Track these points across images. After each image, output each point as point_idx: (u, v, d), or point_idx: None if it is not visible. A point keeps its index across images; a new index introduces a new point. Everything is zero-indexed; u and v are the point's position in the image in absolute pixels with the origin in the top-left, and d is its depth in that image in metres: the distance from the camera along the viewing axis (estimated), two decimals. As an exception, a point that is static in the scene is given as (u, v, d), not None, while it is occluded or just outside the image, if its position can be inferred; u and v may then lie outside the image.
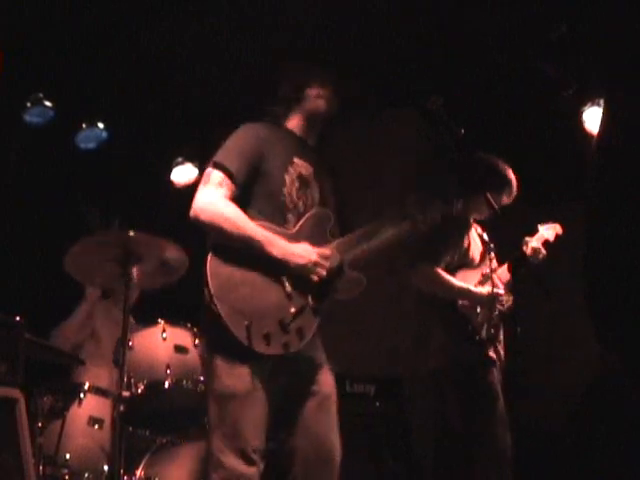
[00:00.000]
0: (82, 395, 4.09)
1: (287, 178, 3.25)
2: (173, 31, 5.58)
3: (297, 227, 3.20)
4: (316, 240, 3.19)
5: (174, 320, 4.20)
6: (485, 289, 4.23)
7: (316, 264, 3.09)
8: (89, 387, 4.15)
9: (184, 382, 4.00)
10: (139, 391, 3.92)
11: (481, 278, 4.30)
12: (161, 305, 4.40)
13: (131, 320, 4.57)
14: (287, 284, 3.08)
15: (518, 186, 4.42)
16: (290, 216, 3.21)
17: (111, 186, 6.18)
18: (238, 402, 2.99)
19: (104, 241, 3.84)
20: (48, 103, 5.82)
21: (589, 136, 5.35)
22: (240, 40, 5.77)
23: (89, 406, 4.09)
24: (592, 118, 5.38)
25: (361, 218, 6.63)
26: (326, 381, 3.27)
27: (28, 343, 3.74)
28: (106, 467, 3.91)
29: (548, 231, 4.55)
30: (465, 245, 4.40)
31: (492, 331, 4.21)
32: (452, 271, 4.33)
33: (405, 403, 5.29)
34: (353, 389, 5.32)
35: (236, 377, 3.01)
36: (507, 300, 4.23)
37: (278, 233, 3.13)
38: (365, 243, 3.28)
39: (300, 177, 3.30)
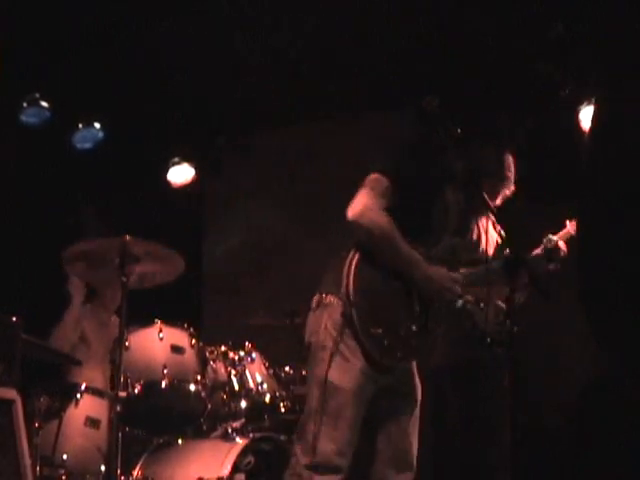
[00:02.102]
0: (79, 395, 4.08)
1: (438, 202, 3.35)
2: (169, 31, 5.58)
3: (435, 250, 3.30)
4: (449, 265, 3.31)
5: (171, 320, 4.19)
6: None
7: (448, 290, 3.22)
8: (86, 387, 4.14)
9: (181, 382, 3.99)
10: (136, 391, 3.91)
11: None
12: (158, 305, 4.39)
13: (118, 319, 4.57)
14: (416, 303, 3.22)
15: (516, 185, 4.38)
16: (431, 238, 3.32)
17: (107, 186, 6.18)
18: (344, 396, 3.09)
19: (100, 243, 3.83)
20: (44, 103, 5.82)
21: (586, 135, 5.35)
22: (239, 40, 5.77)
23: (86, 406, 4.08)
24: (589, 117, 5.38)
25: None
26: (416, 385, 3.39)
27: (25, 343, 3.73)
28: (103, 467, 3.90)
29: (574, 226, 4.48)
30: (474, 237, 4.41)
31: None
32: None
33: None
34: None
35: (351, 373, 3.11)
36: (519, 297, 4.23)
37: (418, 253, 3.24)
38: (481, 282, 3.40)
39: (445, 204, 3.39)
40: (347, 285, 3.13)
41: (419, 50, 5.67)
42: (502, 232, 4.46)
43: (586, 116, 5.44)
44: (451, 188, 3.46)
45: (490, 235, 3.99)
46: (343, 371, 3.12)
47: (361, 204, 3.23)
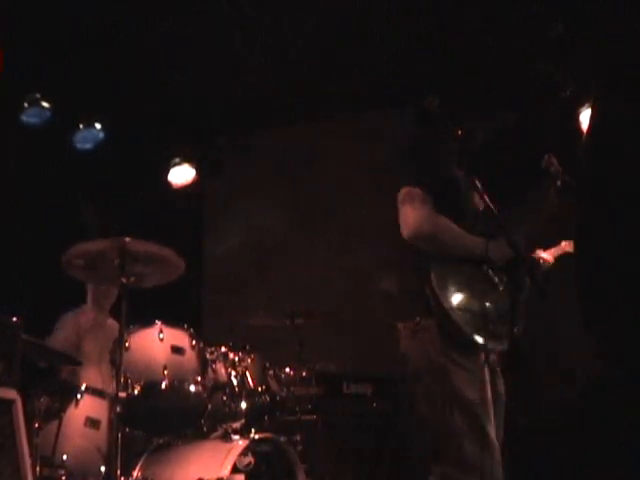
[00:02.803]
0: (79, 396, 4.07)
1: (467, 187, 3.39)
2: (169, 31, 5.58)
3: (475, 229, 3.36)
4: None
5: (171, 321, 4.19)
6: None
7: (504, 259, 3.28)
8: (86, 388, 4.13)
9: (181, 383, 3.99)
10: (136, 392, 3.90)
11: None
12: (158, 306, 4.39)
13: (114, 322, 4.58)
14: (498, 283, 3.31)
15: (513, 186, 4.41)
16: (470, 221, 3.38)
17: (108, 186, 6.18)
18: (480, 407, 3.18)
19: (101, 243, 3.83)
20: (45, 104, 5.82)
21: (585, 135, 5.35)
22: (239, 40, 5.77)
23: (86, 407, 4.07)
24: (588, 120, 5.38)
25: (360, 216, 6.64)
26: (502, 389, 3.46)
27: (25, 344, 3.73)
28: (103, 468, 3.90)
29: (571, 245, 4.57)
30: None
31: None
32: None
33: (402, 403, 5.29)
34: (350, 390, 5.33)
35: (475, 384, 3.21)
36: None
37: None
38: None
39: (476, 188, 3.40)
40: (437, 302, 3.20)
41: (419, 50, 5.67)
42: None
43: (586, 118, 5.44)
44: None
45: None
46: (471, 383, 3.20)
47: (411, 219, 3.30)
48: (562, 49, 5.01)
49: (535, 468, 5.09)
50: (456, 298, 3.23)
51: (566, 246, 4.60)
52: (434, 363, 3.24)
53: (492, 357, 3.42)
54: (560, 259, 4.53)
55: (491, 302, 3.27)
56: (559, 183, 3.64)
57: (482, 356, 3.25)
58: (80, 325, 4.95)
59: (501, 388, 3.45)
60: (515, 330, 3.14)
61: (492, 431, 3.20)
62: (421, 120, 3.57)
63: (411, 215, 3.30)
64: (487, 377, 3.26)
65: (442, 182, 3.37)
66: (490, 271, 3.31)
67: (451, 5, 5.35)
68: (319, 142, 6.79)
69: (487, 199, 3.45)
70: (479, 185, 3.44)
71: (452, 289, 3.24)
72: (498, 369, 3.49)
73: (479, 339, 3.20)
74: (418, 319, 3.31)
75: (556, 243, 4.61)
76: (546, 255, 4.50)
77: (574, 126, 5.47)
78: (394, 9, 5.42)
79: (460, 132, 3.36)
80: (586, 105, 5.42)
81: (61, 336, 4.87)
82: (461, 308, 3.21)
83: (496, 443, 3.20)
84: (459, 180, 3.42)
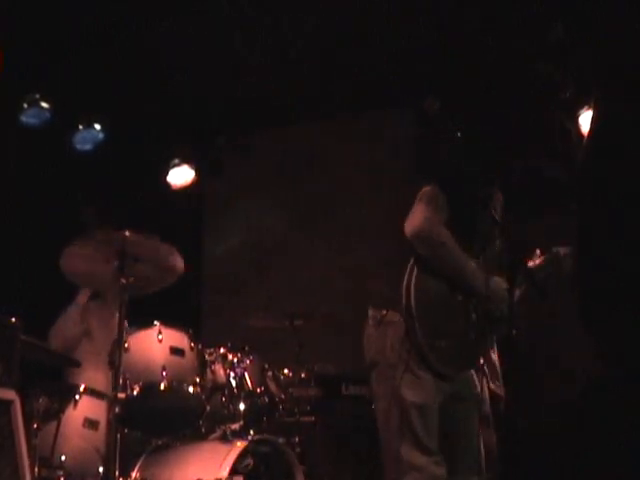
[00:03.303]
0: (77, 397, 4.07)
1: (481, 210, 3.41)
2: (169, 31, 5.57)
3: (482, 259, 3.37)
4: (493, 271, 3.37)
5: (170, 322, 4.18)
6: None
7: (503, 300, 3.22)
8: (84, 389, 4.13)
9: (180, 384, 3.98)
10: (134, 393, 3.90)
11: None
12: (157, 307, 4.38)
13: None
14: (473, 312, 3.30)
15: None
16: (477, 247, 3.38)
17: (108, 187, 6.17)
18: (419, 411, 3.19)
19: (100, 241, 3.83)
20: (45, 104, 5.81)
21: (585, 137, 5.34)
22: (239, 40, 5.76)
23: (84, 408, 4.07)
24: (589, 120, 5.38)
25: (360, 216, 6.63)
26: (476, 386, 3.48)
27: (24, 344, 3.72)
28: (101, 469, 3.88)
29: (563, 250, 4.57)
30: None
31: None
32: None
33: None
34: (349, 391, 5.32)
35: (421, 388, 3.20)
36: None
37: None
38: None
39: (485, 208, 3.43)
40: (408, 300, 3.18)
41: (419, 50, 5.67)
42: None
43: (586, 120, 5.44)
44: (497, 197, 3.53)
45: None
46: (415, 387, 3.20)
47: (420, 219, 3.27)
48: (562, 50, 5.00)
49: (535, 468, 5.08)
50: (427, 307, 3.19)
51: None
52: (387, 358, 3.25)
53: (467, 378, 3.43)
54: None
55: (460, 328, 3.26)
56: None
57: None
58: (91, 320, 4.95)
59: (472, 393, 3.44)
60: (513, 332, 3.13)
61: (427, 437, 3.19)
62: (422, 122, 3.57)
63: (421, 214, 3.28)
64: (436, 385, 3.23)
65: (461, 199, 3.35)
66: (471, 303, 3.29)
67: (451, 5, 5.35)
68: (319, 142, 6.78)
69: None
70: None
71: (428, 297, 3.21)
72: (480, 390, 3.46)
73: (432, 357, 3.17)
74: (385, 311, 3.29)
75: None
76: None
77: (574, 128, 5.46)
78: (394, 9, 5.41)
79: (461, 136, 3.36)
80: (586, 107, 5.42)
81: (69, 326, 4.86)
82: (428, 318, 3.17)
83: (431, 448, 3.19)
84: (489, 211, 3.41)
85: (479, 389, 3.48)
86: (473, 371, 3.48)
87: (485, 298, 3.27)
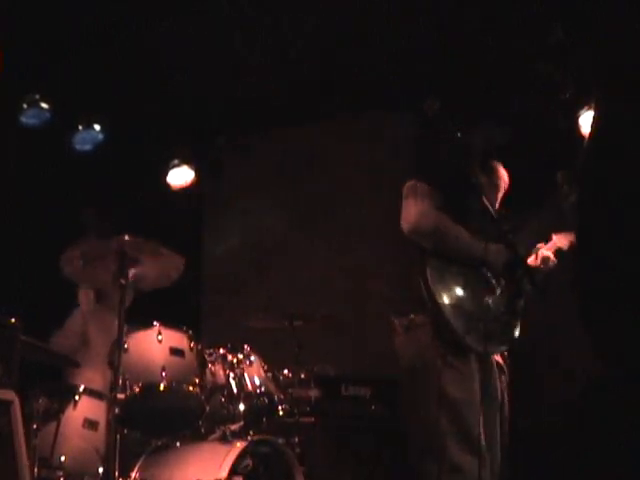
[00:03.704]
0: (77, 397, 4.08)
1: (473, 189, 3.39)
2: (169, 31, 5.57)
3: (481, 230, 3.37)
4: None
5: (170, 322, 4.18)
6: None
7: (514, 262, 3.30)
8: (84, 389, 4.13)
9: (179, 384, 3.98)
10: (134, 393, 3.89)
11: None
12: (157, 307, 4.38)
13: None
14: (496, 286, 3.32)
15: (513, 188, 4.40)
16: (475, 222, 3.38)
17: (107, 187, 6.17)
18: (467, 407, 3.18)
19: (100, 242, 3.83)
20: (44, 105, 5.81)
21: (585, 139, 5.34)
22: (239, 40, 5.76)
23: (84, 408, 4.07)
24: (589, 122, 5.39)
25: (360, 216, 6.63)
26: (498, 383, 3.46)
27: (23, 345, 3.72)
28: (101, 469, 3.89)
29: (562, 240, 4.57)
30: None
31: None
32: None
33: (400, 406, 5.28)
34: (349, 392, 5.32)
35: (465, 382, 3.20)
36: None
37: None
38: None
39: (478, 187, 3.43)
40: (431, 299, 3.19)
41: (419, 50, 5.66)
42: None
43: (586, 120, 5.43)
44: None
45: None
46: (459, 383, 3.19)
47: (412, 213, 3.30)
48: (562, 51, 5.00)
49: (535, 468, 5.08)
50: (450, 296, 3.21)
51: (558, 241, 4.57)
52: (425, 360, 3.23)
53: (491, 359, 3.41)
54: (556, 255, 4.51)
55: (487, 305, 3.27)
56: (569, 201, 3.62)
57: (473, 357, 3.23)
58: (91, 324, 4.95)
59: (497, 391, 3.43)
60: (514, 332, 3.14)
61: (480, 433, 3.18)
62: (423, 122, 3.56)
63: (412, 209, 3.31)
64: (477, 378, 3.24)
65: (449, 180, 3.37)
66: (489, 274, 3.31)
67: (451, 5, 5.34)
68: (319, 142, 6.78)
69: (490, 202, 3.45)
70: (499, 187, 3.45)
71: (447, 286, 3.23)
72: (499, 370, 3.48)
73: (470, 340, 3.18)
74: (412, 316, 3.30)
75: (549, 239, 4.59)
76: (547, 252, 4.47)
77: (574, 128, 5.46)
78: (394, 9, 5.41)
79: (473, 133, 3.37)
80: (586, 107, 5.42)
81: (72, 332, 4.87)
82: (454, 306, 3.19)
83: (483, 445, 3.19)
84: (469, 180, 3.41)
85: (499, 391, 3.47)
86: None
87: (496, 266, 3.29)
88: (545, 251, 4.50)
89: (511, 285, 3.73)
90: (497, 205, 3.83)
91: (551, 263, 4.46)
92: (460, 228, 3.31)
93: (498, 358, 4.36)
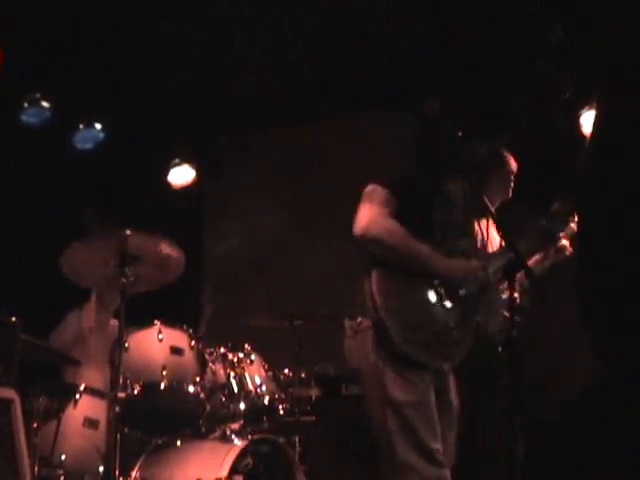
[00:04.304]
0: (77, 396, 4.08)
1: (437, 199, 3.40)
2: (169, 31, 5.57)
3: (446, 244, 3.35)
4: (465, 256, 3.38)
5: (170, 321, 4.18)
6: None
7: (475, 278, 3.28)
8: (85, 388, 4.13)
9: (180, 384, 3.98)
10: (135, 392, 3.90)
11: None
12: (157, 306, 4.38)
13: (116, 323, 4.57)
14: (445, 298, 3.26)
15: (515, 189, 4.40)
16: (438, 234, 3.35)
17: (108, 187, 6.17)
18: (413, 409, 3.16)
19: (100, 241, 3.83)
20: (45, 103, 5.81)
21: (586, 139, 5.34)
22: (239, 40, 5.76)
23: (84, 407, 4.07)
24: (590, 122, 5.39)
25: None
26: (453, 388, 3.42)
27: (24, 343, 3.72)
28: (101, 468, 3.89)
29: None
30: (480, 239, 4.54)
31: None
32: None
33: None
34: (349, 391, 5.32)
35: (410, 385, 3.17)
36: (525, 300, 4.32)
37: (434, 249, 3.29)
38: (500, 261, 3.42)
39: (446, 198, 3.44)
40: (374, 304, 3.16)
41: (419, 50, 5.67)
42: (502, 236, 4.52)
43: (587, 120, 5.44)
44: (454, 185, 3.49)
45: (492, 238, 4.02)
46: (403, 387, 3.17)
47: (364, 218, 3.28)
48: (562, 51, 5.01)
49: (535, 468, 5.08)
50: (393, 303, 3.17)
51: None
52: (370, 363, 3.22)
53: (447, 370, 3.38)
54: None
55: (433, 317, 3.22)
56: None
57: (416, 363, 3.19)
58: (85, 324, 4.95)
59: (450, 399, 3.40)
60: (514, 333, 3.13)
61: (426, 434, 3.16)
62: (422, 123, 3.55)
63: (364, 214, 3.29)
64: (427, 382, 3.21)
65: (412, 188, 3.35)
66: (441, 287, 3.26)
67: (451, 5, 5.35)
68: (319, 142, 6.78)
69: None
70: (490, 213, 3.43)
71: (391, 293, 3.19)
72: (450, 381, 3.45)
73: (408, 349, 3.14)
74: (360, 319, 3.28)
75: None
76: (565, 242, 4.43)
77: (574, 128, 5.46)
78: (394, 9, 5.41)
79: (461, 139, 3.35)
80: (586, 107, 5.42)
81: (67, 332, 4.87)
82: (396, 313, 3.15)
83: (432, 446, 3.16)
84: (437, 190, 3.40)
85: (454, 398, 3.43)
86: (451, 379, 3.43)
87: (449, 280, 3.24)
88: (564, 241, 4.48)
89: (511, 287, 3.72)
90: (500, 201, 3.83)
91: (567, 252, 4.45)
92: (411, 239, 3.24)
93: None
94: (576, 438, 5.08)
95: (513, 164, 4.31)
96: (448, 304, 3.26)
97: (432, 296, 3.25)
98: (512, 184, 4.31)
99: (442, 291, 3.26)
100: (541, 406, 5.45)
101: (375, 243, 3.24)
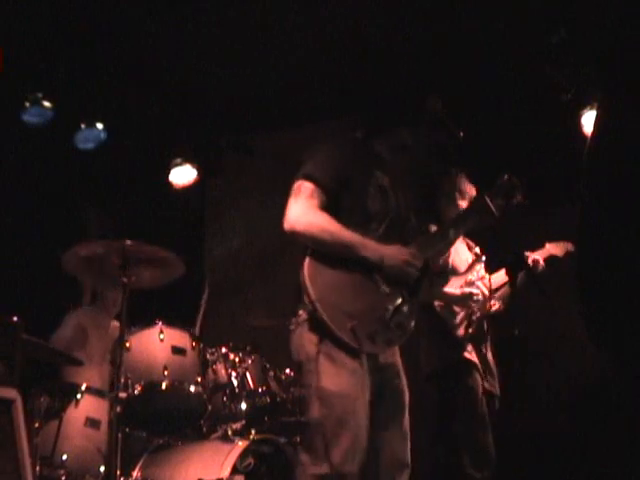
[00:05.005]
0: (79, 396, 4.08)
1: (370, 189, 3.37)
2: (171, 32, 5.58)
3: (381, 232, 3.32)
4: (400, 242, 3.33)
5: (171, 321, 4.19)
6: (458, 290, 4.35)
7: (408, 263, 3.24)
8: (86, 388, 4.13)
9: (181, 383, 3.99)
10: (136, 392, 3.91)
11: (463, 284, 4.41)
12: (158, 307, 4.39)
13: (117, 323, 4.58)
14: (382, 284, 3.22)
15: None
16: (374, 224, 3.33)
17: (109, 187, 6.18)
18: (342, 401, 3.09)
19: (102, 244, 3.84)
20: (47, 103, 5.80)
21: (587, 139, 5.35)
22: (239, 40, 5.77)
23: (86, 407, 4.07)
24: (591, 122, 5.39)
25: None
26: (404, 388, 3.37)
27: (25, 343, 3.73)
28: (102, 468, 3.90)
29: (556, 248, 4.62)
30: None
31: (470, 331, 4.37)
32: None
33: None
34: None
35: (342, 376, 3.11)
36: (489, 303, 4.34)
37: (368, 238, 3.26)
38: (442, 240, 3.48)
39: (380, 188, 3.41)
40: (308, 294, 3.14)
41: (419, 50, 5.67)
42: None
43: (588, 121, 5.44)
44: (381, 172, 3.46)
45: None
46: (334, 375, 3.11)
47: (292, 212, 3.27)
48: (564, 52, 5.01)
49: (535, 468, 5.09)
50: (327, 293, 3.14)
51: (551, 248, 4.64)
52: (307, 353, 3.18)
53: (393, 361, 3.33)
54: (549, 261, 4.57)
55: (369, 305, 3.18)
56: (516, 200, 3.57)
57: (356, 353, 3.11)
58: (86, 324, 4.95)
59: (400, 394, 3.35)
60: (515, 332, 3.13)
61: (354, 424, 3.08)
62: (422, 121, 3.55)
63: (292, 209, 3.28)
64: (362, 374, 3.12)
65: (337, 180, 3.32)
66: (377, 276, 3.23)
67: (451, 5, 5.35)
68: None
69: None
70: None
71: (325, 283, 3.16)
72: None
73: (345, 337, 3.09)
74: (300, 312, 3.25)
75: (542, 246, 4.64)
76: (537, 256, 4.53)
77: (576, 129, 5.47)
78: (394, 9, 5.42)
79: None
80: (588, 108, 5.43)
81: (68, 333, 4.87)
82: (330, 303, 3.11)
83: (359, 435, 3.09)
84: (360, 179, 3.36)
85: (406, 388, 3.39)
86: (400, 366, 3.38)
87: (381, 267, 3.21)
88: (536, 256, 4.54)
89: (512, 285, 3.73)
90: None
91: (540, 267, 4.51)
92: (340, 229, 3.22)
93: (489, 355, 4.38)
94: (576, 438, 5.08)
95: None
96: (386, 289, 3.23)
97: (368, 283, 3.22)
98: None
99: (378, 277, 3.23)
100: (541, 406, 5.46)
101: (304, 236, 3.23)
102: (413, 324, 3.27)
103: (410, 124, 3.58)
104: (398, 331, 3.22)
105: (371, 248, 3.22)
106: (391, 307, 3.19)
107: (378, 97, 3.91)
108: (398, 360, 3.38)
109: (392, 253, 3.24)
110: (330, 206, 3.28)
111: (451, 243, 3.60)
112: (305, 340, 3.20)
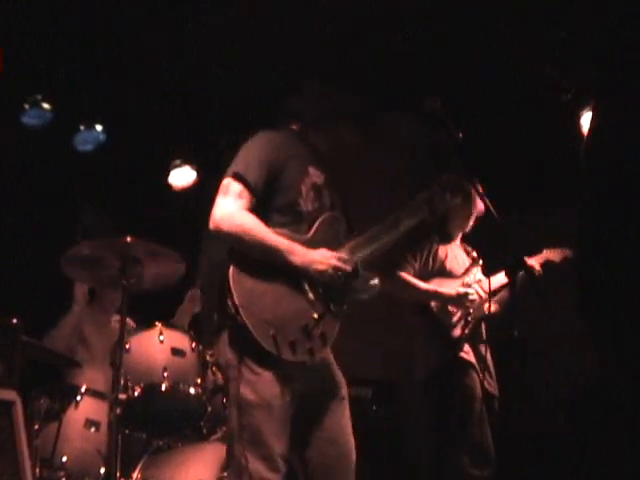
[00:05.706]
0: (79, 398, 4.08)
1: (303, 188, 3.29)
2: (171, 33, 5.58)
3: (312, 233, 3.24)
4: (331, 244, 3.24)
5: (171, 323, 4.19)
6: (454, 290, 4.39)
7: (335, 268, 3.14)
8: (86, 390, 4.13)
9: (181, 385, 3.98)
10: (136, 394, 3.90)
11: (460, 286, 4.45)
12: (158, 308, 4.39)
13: (117, 324, 4.57)
14: (308, 291, 3.14)
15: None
16: (306, 225, 3.25)
17: (109, 188, 6.17)
18: (261, 410, 3.02)
19: (102, 244, 3.84)
20: (46, 105, 5.81)
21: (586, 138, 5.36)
22: (239, 40, 5.77)
23: (86, 409, 4.07)
24: (589, 122, 5.40)
25: (358, 216, 6.62)
26: (340, 381, 3.32)
27: (25, 345, 3.73)
28: (103, 470, 3.89)
29: (554, 254, 4.64)
30: (442, 256, 4.59)
31: (466, 331, 4.39)
32: (426, 279, 4.51)
33: (401, 407, 5.29)
34: (350, 393, 5.29)
35: (261, 385, 3.04)
36: (483, 304, 4.36)
37: (296, 240, 3.17)
38: (376, 242, 3.37)
39: (314, 186, 3.34)
40: (232, 299, 3.04)
41: (418, 50, 5.67)
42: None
43: (588, 121, 5.45)
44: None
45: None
46: (254, 384, 3.03)
47: (218, 212, 3.17)
48: (564, 52, 5.01)
49: (535, 468, 5.09)
50: (250, 298, 3.05)
51: (548, 254, 4.65)
52: (228, 360, 3.09)
53: (326, 368, 3.27)
54: (546, 266, 4.58)
55: (294, 312, 3.09)
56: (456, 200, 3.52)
57: (278, 362, 3.04)
58: (84, 325, 4.95)
59: (336, 392, 3.29)
60: (515, 333, 3.11)
61: (270, 437, 3.01)
62: (422, 121, 3.54)
63: (218, 208, 3.18)
64: (284, 384, 3.06)
65: (267, 181, 3.24)
66: (304, 281, 3.14)
67: (451, 6, 5.35)
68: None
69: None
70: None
71: (249, 290, 3.06)
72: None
73: (267, 345, 3.00)
74: (224, 316, 3.13)
75: (539, 251, 4.66)
76: (534, 262, 4.55)
77: (576, 129, 5.47)
78: (393, 10, 5.42)
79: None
80: (587, 108, 5.43)
81: (66, 333, 4.87)
82: (254, 312, 3.03)
83: (274, 450, 3.01)
84: (293, 177, 3.29)
85: (343, 386, 3.33)
86: (337, 367, 3.33)
87: (307, 273, 3.11)
88: (532, 261, 4.55)
89: (511, 287, 3.72)
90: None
91: (536, 273, 4.52)
92: (266, 232, 3.12)
93: (469, 355, 4.39)
94: (576, 438, 5.08)
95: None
96: (311, 296, 3.13)
97: (294, 289, 3.12)
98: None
99: (305, 283, 3.14)
100: (541, 406, 5.46)
101: (228, 237, 3.14)
102: (336, 332, 3.17)
103: (349, 121, 3.55)
104: (319, 341, 3.11)
105: (298, 253, 3.12)
106: (315, 315, 3.10)
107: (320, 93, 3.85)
108: (329, 354, 3.29)
109: (320, 259, 3.14)
110: (259, 207, 3.19)
111: (399, 234, 3.47)
112: (227, 346, 3.10)
